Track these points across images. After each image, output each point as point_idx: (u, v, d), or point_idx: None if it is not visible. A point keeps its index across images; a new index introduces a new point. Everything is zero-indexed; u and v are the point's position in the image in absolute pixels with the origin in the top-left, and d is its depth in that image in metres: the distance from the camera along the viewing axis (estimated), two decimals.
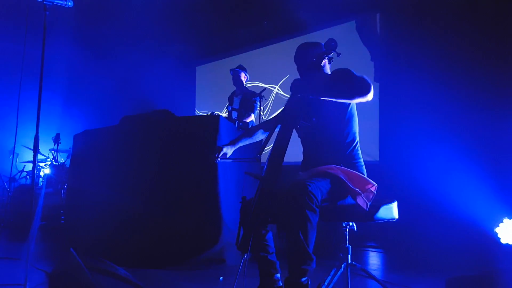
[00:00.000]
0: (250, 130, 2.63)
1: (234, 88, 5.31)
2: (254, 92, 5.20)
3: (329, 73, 2.42)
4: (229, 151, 2.45)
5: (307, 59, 2.37)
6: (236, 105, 5.16)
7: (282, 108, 2.58)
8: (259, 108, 5.01)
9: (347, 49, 5.82)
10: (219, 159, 2.39)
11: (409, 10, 5.40)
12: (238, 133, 4.03)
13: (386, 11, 5.79)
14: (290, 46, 6.45)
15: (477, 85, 4.59)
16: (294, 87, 2.14)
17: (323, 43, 2.33)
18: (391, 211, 2.20)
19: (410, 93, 5.08)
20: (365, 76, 2.11)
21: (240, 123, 4.44)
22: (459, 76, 4.73)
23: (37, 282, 2.78)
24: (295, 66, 2.45)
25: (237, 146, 2.50)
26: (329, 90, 2.11)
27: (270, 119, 2.64)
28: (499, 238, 3.99)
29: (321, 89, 2.12)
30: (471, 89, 4.61)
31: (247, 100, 5.10)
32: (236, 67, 5.23)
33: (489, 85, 4.53)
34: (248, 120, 4.95)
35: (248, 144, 2.56)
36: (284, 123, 2.18)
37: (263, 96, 5.01)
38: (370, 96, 2.07)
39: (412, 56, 5.17)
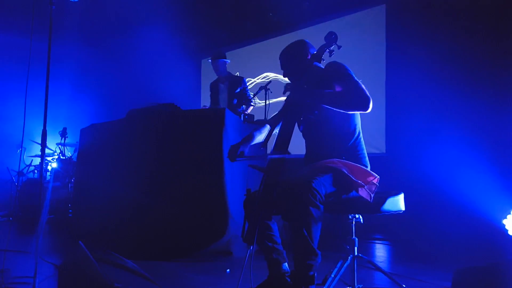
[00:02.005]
0: (259, 126, 2.60)
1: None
2: (240, 77, 5.08)
3: (321, 66, 2.39)
4: (246, 148, 2.42)
5: (299, 60, 2.37)
6: (224, 92, 5.06)
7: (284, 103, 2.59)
8: (254, 98, 4.94)
9: (352, 41, 5.81)
10: (237, 159, 2.35)
11: (417, 2, 5.34)
12: (243, 126, 4.03)
13: (393, 3, 5.73)
14: (295, 38, 6.41)
15: (485, 78, 4.55)
16: (294, 94, 2.16)
17: (308, 43, 2.40)
18: (398, 203, 2.19)
19: (417, 85, 5.05)
20: (362, 85, 2.08)
21: (246, 116, 4.43)
22: (466, 69, 4.69)
23: (47, 274, 2.81)
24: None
25: (252, 143, 2.48)
26: (326, 96, 2.12)
27: (275, 115, 2.62)
28: (507, 230, 3.98)
29: (318, 93, 2.14)
30: (479, 82, 4.57)
31: (236, 85, 5.00)
32: (214, 56, 5.05)
33: (498, 77, 4.49)
34: (249, 111, 4.96)
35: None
36: (287, 116, 2.18)
37: (269, 89, 5.00)
38: (369, 110, 2.06)
39: (419, 49, 5.12)
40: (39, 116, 2.49)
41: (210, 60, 5.14)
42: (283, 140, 2.10)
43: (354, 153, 2.25)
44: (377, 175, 2.12)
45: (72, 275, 2.10)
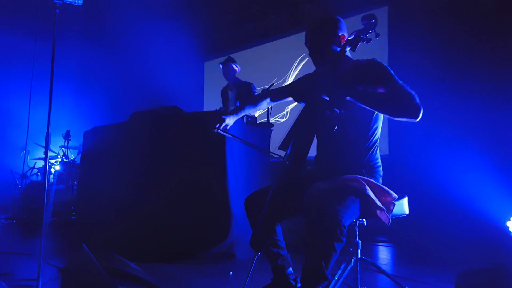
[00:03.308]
0: (255, 98, 2.48)
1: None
2: (248, 83, 5.07)
3: (351, 57, 2.14)
4: (230, 121, 2.33)
5: (329, 39, 2.07)
6: (232, 99, 5.06)
7: (296, 80, 2.45)
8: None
9: None
10: (219, 130, 2.26)
11: (420, 3, 5.33)
12: (246, 128, 4.04)
13: (395, 4, 5.73)
14: (298, 40, 6.42)
15: (488, 80, 4.53)
16: (329, 86, 1.84)
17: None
18: (402, 206, 2.17)
19: (419, 87, 5.00)
20: (411, 90, 1.85)
21: (249, 118, 4.43)
22: (469, 71, 4.67)
23: (50, 277, 2.82)
24: (304, 60, 2.30)
25: (239, 116, 2.41)
26: (372, 96, 1.85)
27: (280, 88, 2.45)
28: (511, 232, 3.96)
29: (361, 91, 1.84)
30: (482, 84, 4.55)
31: (244, 92, 4.97)
32: (226, 60, 5.02)
33: (501, 79, 4.47)
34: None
35: (257, 132, 2.47)
36: (309, 114, 1.88)
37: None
38: (418, 119, 1.83)
39: (421, 51, 5.11)
40: (42, 119, 2.50)
41: (220, 65, 5.07)
42: (302, 149, 1.84)
43: (372, 165, 2.11)
44: (395, 195, 2.00)
45: (76, 277, 2.11)
